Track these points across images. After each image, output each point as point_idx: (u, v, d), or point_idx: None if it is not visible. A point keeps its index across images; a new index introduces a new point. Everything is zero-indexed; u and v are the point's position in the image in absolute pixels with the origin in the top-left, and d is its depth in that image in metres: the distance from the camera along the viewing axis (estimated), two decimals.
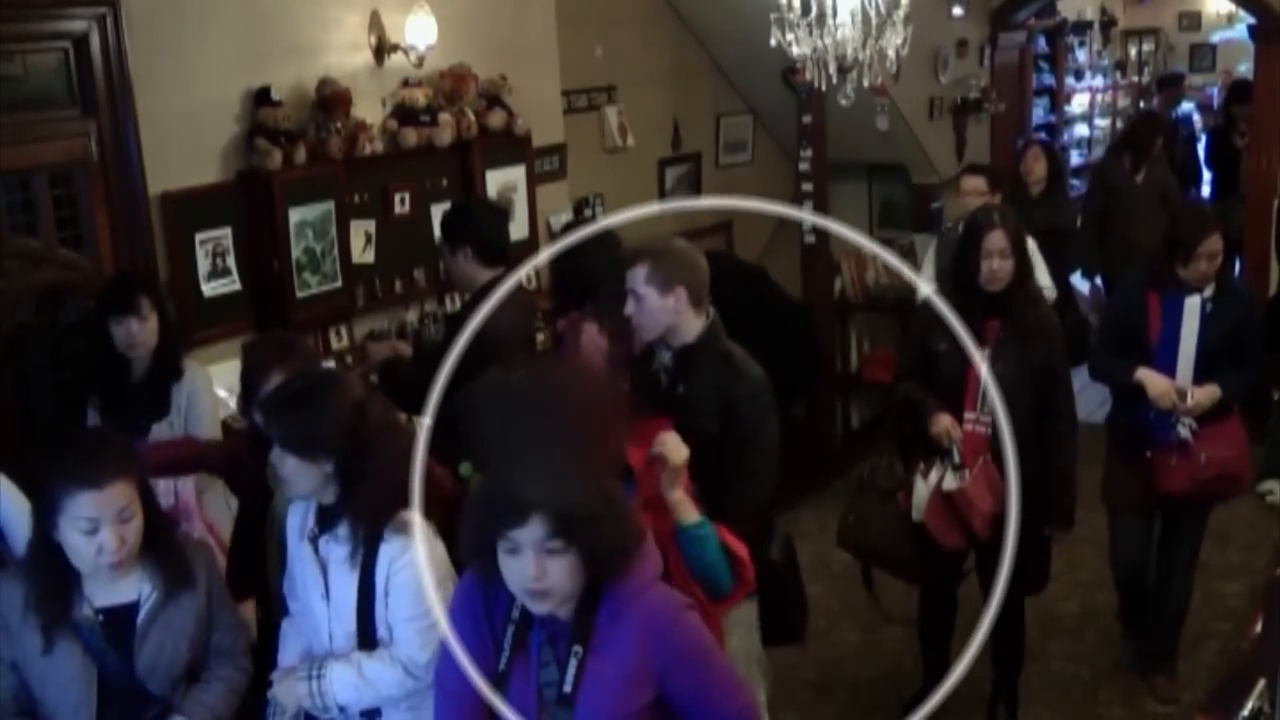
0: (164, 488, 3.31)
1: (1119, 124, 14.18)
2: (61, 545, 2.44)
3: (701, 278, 3.16)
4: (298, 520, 2.67)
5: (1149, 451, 3.91)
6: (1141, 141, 6.86)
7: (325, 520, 2.59)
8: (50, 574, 2.47)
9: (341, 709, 2.60)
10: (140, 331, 3.53)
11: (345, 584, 2.57)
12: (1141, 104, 14.36)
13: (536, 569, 1.96)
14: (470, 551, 2.08)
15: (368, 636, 2.58)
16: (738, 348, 3.24)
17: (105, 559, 2.42)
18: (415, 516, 2.60)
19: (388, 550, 2.54)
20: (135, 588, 2.54)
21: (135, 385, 3.60)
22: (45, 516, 2.44)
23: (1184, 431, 3.84)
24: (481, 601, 2.15)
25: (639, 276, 3.13)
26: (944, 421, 3.72)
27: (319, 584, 2.62)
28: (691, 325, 3.16)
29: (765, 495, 3.24)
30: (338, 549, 2.56)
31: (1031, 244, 4.76)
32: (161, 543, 2.56)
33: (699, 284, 3.15)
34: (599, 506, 1.99)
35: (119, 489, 2.41)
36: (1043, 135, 8.13)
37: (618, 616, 2.04)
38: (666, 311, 3.14)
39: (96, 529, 2.40)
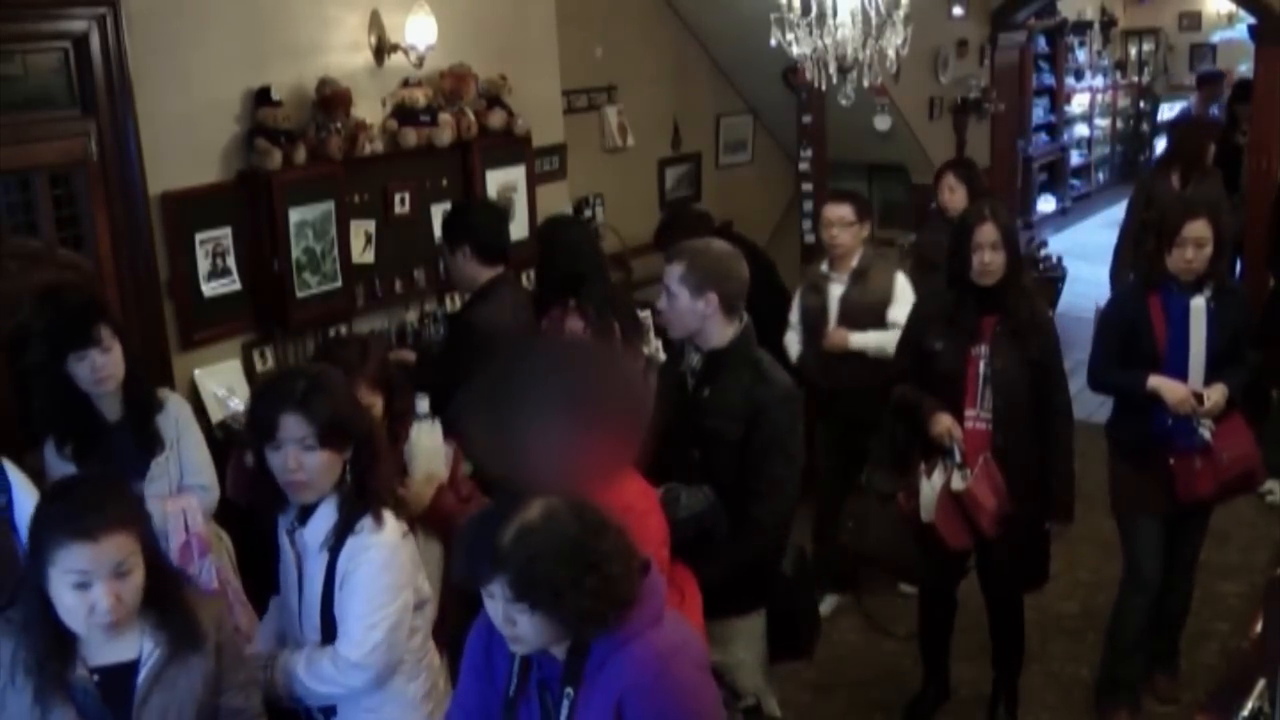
0: (174, 525, 3.22)
1: (1119, 124, 14.23)
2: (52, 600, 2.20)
3: (736, 285, 3.14)
4: (286, 519, 2.70)
5: (1172, 459, 3.86)
6: (1189, 153, 6.23)
7: (305, 513, 2.62)
8: (46, 629, 2.22)
9: (295, 699, 2.65)
10: (106, 364, 3.22)
11: (316, 575, 2.60)
12: (1142, 104, 14.39)
13: (504, 619, 1.97)
14: (459, 581, 2.09)
15: (330, 627, 2.60)
16: (767, 355, 3.23)
17: (98, 619, 2.17)
18: (393, 519, 2.63)
19: (353, 543, 2.55)
20: (135, 645, 2.29)
21: (114, 424, 3.32)
22: (36, 568, 2.20)
23: (1206, 434, 3.82)
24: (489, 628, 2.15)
25: (674, 274, 3.11)
26: (945, 421, 3.71)
27: (294, 576, 2.67)
28: (721, 330, 3.14)
29: (791, 505, 3.22)
30: (314, 536, 2.58)
31: (902, 278, 4.68)
32: (166, 597, 2.31)
33: (733, 291, 3.12)
34: (567, 577, 1.91)
35: (116, 541, 2.16)
36: (964, 155, 7.12)
37: (603, 664, 2.00)
38: (695, 314, 3.11)
39: (89, 584, 2.15)
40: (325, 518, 2.59)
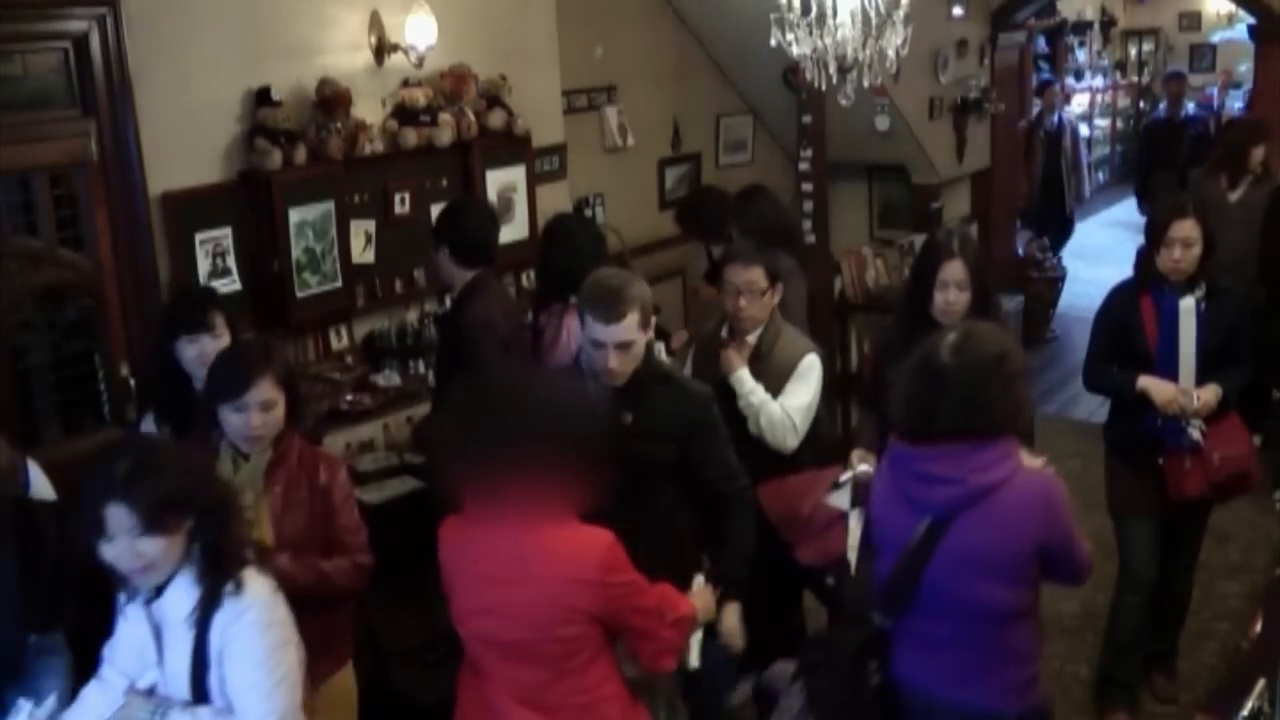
0: None
1: (1119, 124, 14.23)
2: None
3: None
4: (135, 590, 2.43)
5: (1161, 459, 3.84)
6: (1236, 153, 5.94)
7: (164, 581, 2.37)
8: None
9: None
10: (215, 349, 3.28)
11: (181, 647, 2.37)
12: (1142, 104, 14.39)
13: None
14: None
15: (203, 701, 2.38)
16: (666, 364, 3.30)
17: None
18: (257, 575, 2.41)
19: (223, 614, 2.34)
20: None
21: None
22: None
23: (1195, 434, 3.80)
24: None
25: (635, 323, 3.02)
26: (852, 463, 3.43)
27: (152, 648, 2.42)
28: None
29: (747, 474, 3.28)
30: (175, 609, 2.36)
31: (811, 360, 3.76)
32: None
33: (649, 304, 3.09)
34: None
35: None
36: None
37: None
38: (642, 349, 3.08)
39: None
40: (184, 589, 2.36)
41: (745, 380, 3.64)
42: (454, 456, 2.46)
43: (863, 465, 3.37)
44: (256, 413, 2.82)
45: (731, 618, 3.07)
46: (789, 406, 3.64)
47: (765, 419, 3.63)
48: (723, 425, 3.25)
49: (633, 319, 2.98)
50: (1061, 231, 9.38)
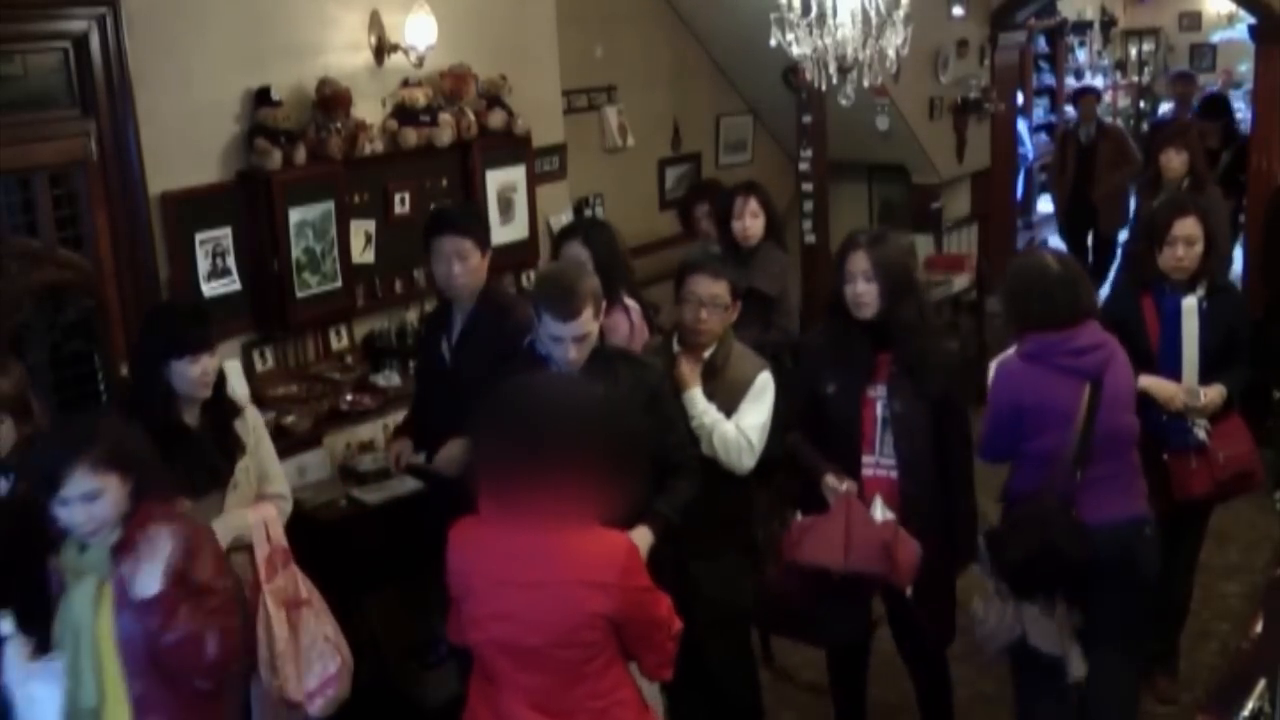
0: (258, 536, 3.13)
1: (1119, 124, 14.23)
2: None
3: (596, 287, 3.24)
4: None
5: (1165, 457, 3.83)
6: (1151, 160, 5.64)
7: None
8: None
9: None
10: (211, 370, 3.16)
11: None
12: (1142, 104, 14.39)
13: None
14: None
15: None
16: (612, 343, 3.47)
17: None
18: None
19: None
20: None
21: (195, 429, 3.20)
22: None
23: (1201, 434, 3.81)
24: None
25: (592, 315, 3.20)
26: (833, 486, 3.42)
27: None
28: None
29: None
30: None
31: (765, 376, 3.57)
32: None
33: (599, 294, 3.24)
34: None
35: None
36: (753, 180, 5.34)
37: None
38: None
39: None
40: None
41: (698, 401, 3.46)
42: (479, 460, 2.45)
43: (841, 484, 3.40)
44: (79, 507, 2.49)
45: (640, 539, 3.01)
46: (744, 426, 3.46)
47: (719, 440, 3.44)
48: (673, 395, 3.44)
49: (588, 313, 3.15)
50: (1096, 259, 8.38)
